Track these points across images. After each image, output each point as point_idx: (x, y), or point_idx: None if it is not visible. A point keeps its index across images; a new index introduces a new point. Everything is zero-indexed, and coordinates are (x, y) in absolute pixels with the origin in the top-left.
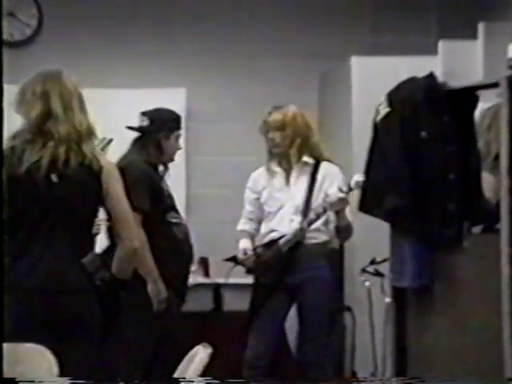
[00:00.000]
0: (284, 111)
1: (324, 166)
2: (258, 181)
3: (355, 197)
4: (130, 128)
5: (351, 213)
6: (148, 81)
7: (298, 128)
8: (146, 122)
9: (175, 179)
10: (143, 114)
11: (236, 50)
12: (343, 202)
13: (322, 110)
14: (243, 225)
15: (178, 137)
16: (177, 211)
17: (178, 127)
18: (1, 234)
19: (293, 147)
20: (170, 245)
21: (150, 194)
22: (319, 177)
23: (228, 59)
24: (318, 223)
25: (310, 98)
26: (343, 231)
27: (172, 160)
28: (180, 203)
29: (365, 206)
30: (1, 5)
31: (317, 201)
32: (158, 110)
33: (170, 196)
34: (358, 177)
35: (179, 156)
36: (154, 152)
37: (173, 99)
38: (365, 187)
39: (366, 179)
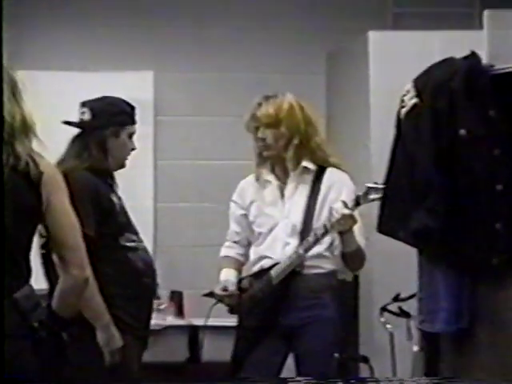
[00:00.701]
0: (278, 102)
1: (330, 173)
2: (246, 192)
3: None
4: (67, 123)
5: (363, 234)
6: (109, 62)
7: (297, 124)
8: (87, 116)
9: (139, 189)
10: (83, 104)
11: (217, 23)
12: (349, 219)
13: (330, 99)
14: (227, 249)
15: (131, 134)
16: (135, 232)
17: (132, 121)
18: (1, 236)
19: (289, 149)
20: (125, 276)
21: (95, 213)
22: (323, 187)
23: (207, 35)
24: (321, 247)
25: (315, 85)
26: (351, 259)
27: (122, 166)
28: (145, 221)
29: (385, 226)
30: (1, 5)
31: (319, 219)
32: (103, 100)
33: (123, 213)
34: (372, 187)
35: (145, 160)
36: (99, 155)
37: (137, 85)
38: (384, 200)
39: (387, 190)
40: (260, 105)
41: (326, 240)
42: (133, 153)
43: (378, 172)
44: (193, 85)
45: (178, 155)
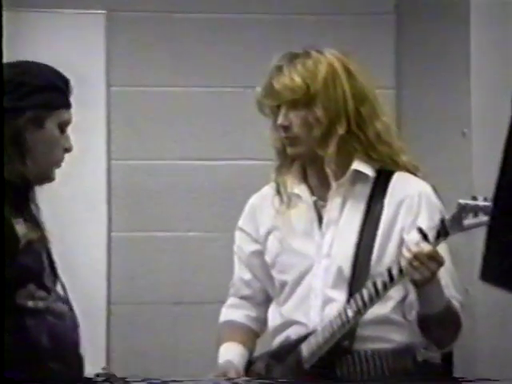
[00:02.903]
0: (310, 65)
1: (399, 181)
2: (261, 215)
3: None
4: None
5: (457, 286)
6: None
7: (342, 100)
8: None
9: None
10: None
11: None
12: (431, 260)
13: (403, 60)
14: (230, 310)
15: (63, 123)
16: (51, 282)
17: (65, 103)
18: (1, 231)
19: (330, 143)
20: (22, 355)
21: None
22: (388, 205)
23: None
24: (386, 307)
25: (375, 34)
26: (436, 326)
27: (49, 177)
28: (95, 258)
29: (493, 272)
30: (1, 5)
31: (382, 259)
32: (15, 67)
33: (35, 252)
34: (469, 205)
35: (95, 161)
36: (9, 156)
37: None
38: (493, 228)
39: (498, 210)
40: (280, 70)
41: (394, 294)
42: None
43: (482, 178)
44: (162, 31)
45: (144, 152)
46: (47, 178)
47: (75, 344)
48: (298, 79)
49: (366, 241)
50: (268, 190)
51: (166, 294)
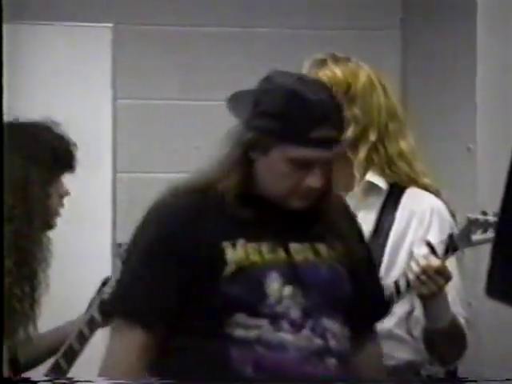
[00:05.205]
0: (352, 67)
1: (411, 196)
2: None
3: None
4: None
5: (462, 301)
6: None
7: (377, 109)
8: None
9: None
10: None
11: None
12: (438, 275)
13: (408, 71)
14: None
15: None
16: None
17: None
18: (0, 232)
19: (362, 147)
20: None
21: None
22: (399, 218)
23: None
24: (390, 322)
25: (381, 46)
26: (442, 342)
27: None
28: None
29: (499, 287)
30: (1, 5)
31: (392, 268)
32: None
33: None
34: (476, 220)
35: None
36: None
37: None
38: (499, 243)
39: (504, 225)
40: (324, 63)
41: (398, 309)
42: None
43: (487, 194)
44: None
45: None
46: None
47: (299, 379)
48: (340, 74)
49: (375, 252)
50: None
51: None
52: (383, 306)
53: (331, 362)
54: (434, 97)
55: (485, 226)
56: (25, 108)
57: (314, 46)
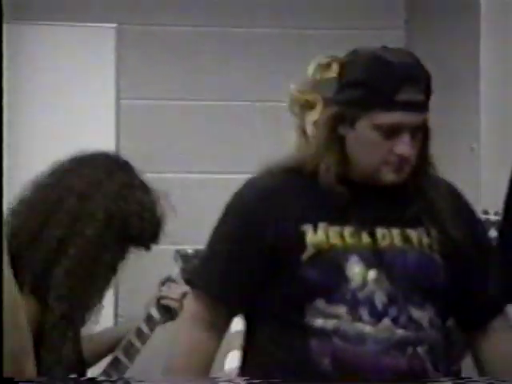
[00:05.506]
0: None
1: None
2: None
3: None
4: None
5: None
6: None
7: None
8: None
9: None
10: None
11: None
12: None
13: None
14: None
15: None
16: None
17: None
18: (0, 230)
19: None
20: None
21: None
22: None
23: None
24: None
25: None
26: None
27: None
28: None
29: (504, 286)
30: (1, 5)
31: None
32: None
33: None
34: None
35: None
36: None
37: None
38: (503, 243)
39: (507, 226)
40: (328, 67)
41: None
42: None
43: (490, 193)
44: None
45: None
46: None
47: (378, 371)
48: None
49: None
50: None
51: None
52: (494, 304)
53: (414, 352)
54: (438, 97)
55: (487, 225)
56: (26, 109)
57: (317, 47)
